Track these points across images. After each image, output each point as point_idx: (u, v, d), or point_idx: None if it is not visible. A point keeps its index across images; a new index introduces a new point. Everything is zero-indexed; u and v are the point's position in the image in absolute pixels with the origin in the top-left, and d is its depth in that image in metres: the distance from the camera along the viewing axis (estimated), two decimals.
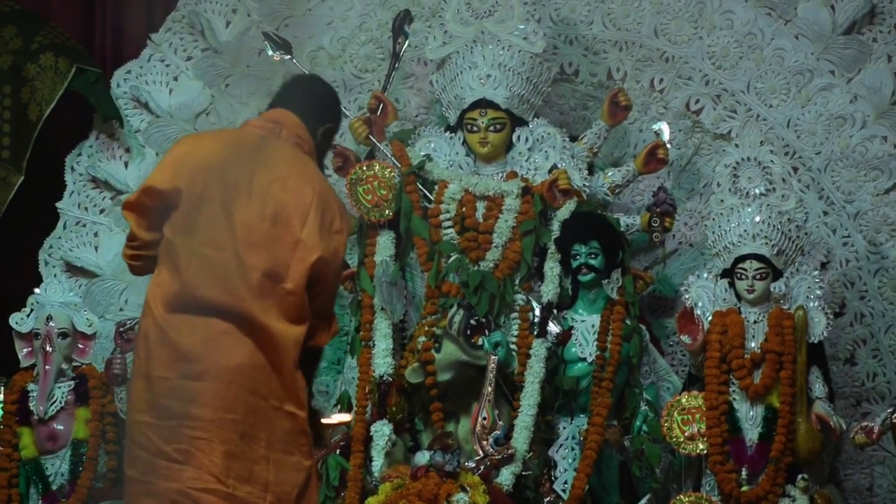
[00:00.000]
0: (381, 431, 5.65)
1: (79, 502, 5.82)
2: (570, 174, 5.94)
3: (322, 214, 4.05)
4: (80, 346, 6.00)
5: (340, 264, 4.18)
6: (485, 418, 5.51)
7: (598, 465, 5.70)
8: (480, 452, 5.47)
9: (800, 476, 5.56)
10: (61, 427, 5.90)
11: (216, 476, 3.90)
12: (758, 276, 5.72)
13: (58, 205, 6.53)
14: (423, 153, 6.08)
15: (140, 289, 4.13)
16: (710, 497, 5.59)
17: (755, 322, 5.72)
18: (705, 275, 5.86)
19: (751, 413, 5.65)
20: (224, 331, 3.95)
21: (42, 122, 6.36)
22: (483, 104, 6.03)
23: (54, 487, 5.85)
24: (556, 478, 5.72)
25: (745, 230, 5.74)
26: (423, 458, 5.37)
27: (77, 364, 5.98)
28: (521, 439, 5.60)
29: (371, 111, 6.20)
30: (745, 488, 5.56)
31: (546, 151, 6.06)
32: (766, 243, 5.73)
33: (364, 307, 5.87)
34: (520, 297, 5.88)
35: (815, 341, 5.72)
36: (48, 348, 5.91)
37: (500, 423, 5.53)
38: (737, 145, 6.12)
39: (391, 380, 5.72)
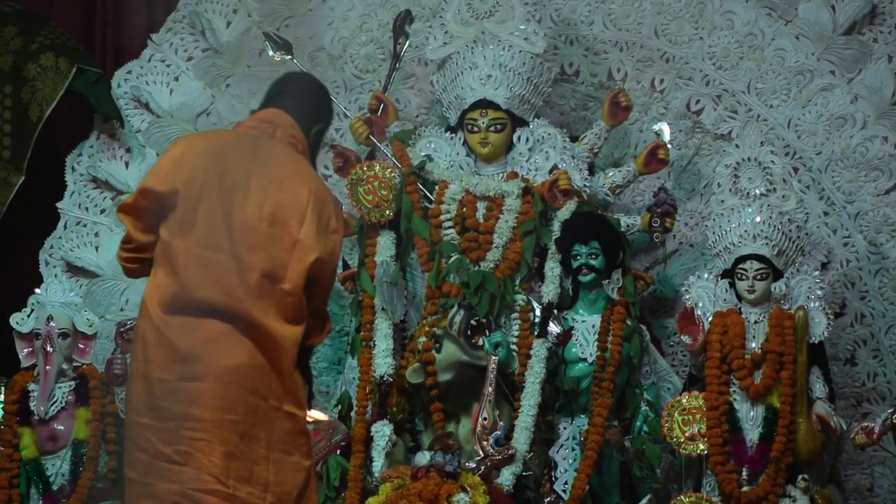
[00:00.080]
0: (382, 432, 5.65)
1: (79, 502, 5.82)
2: (570, 174, 5.94)
3: (319, 214, 4.06)
4: (81, 347, 6.00)
5: (337, 264, 4.19)
6: (485, 419, 5.51)
7: (598, 466, 5.70)
8: (481, 453, 5.47)
9: (800, 476, 5.56)
10: (62, 427, 5.90)
11: (216, 477, 3.90)
12: (758, 277, 5.72)
13: (58, 205, 6.52)
14: (423, 153, 6.08)
15: (141, 289, 4.13)
16: (710, 497, 5.59)
17: (756, 322, 5.72)
18: (706, 275, 5.86)
19: (751, 413, 5.65)
20: (222, 331, 3.96)
21: (43, 122, 6.36)
22: (484, 104, 6.04)
23: (55, 488, 5.85)
24: (556, 478, 5.73)
25: (745, 230, 5.74)
26: (423, 458, 5.37)
27: (78, 364, 5.98)
28: (521, 440, 5.60)
29: (372, 111, 6.20)
30: (745, 489, 5.56)
31: (546, 152, 6.07)
32: (767, 244, 5.73)
33: (365, 307, 5.88)
34: (520, 298, 5.88)
35: (816, 341, 5.72)
36: (49, 348, 5.91)
37: (501, 423, 5.54)
38: (737, 146, 6.12)
39: (392, 380, 5.72)
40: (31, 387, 5.93)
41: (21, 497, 5.86)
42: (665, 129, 6.16)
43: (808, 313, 5.68)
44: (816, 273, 5.87)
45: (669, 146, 6.15)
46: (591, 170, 6.16)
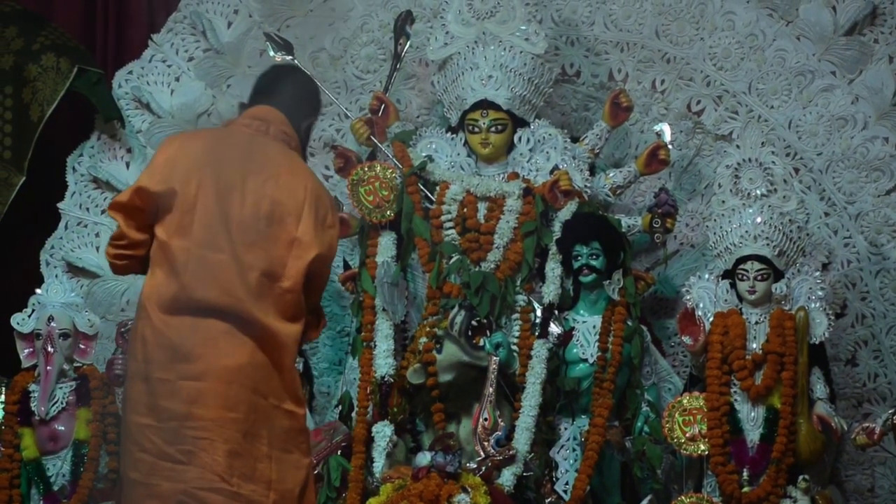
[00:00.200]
0: (383, 432, 5.65)
1: (80, 503, 5.82)
2: (571, 175, 5.94)
3: (316, 211, 4.08)
4: (82, 347, 5.99)
5: (333, 259, 4.20)
6: (486, 419, 5.51)
7: (599, 466, 5.70)
8: (482, 453, 5.47)
9: (801, 477, 5.56)
10: (62, 428, 5.90)
11: (220, 475, 3.91)
12: (759, 277, 5.72)
13: (59, 205, 6.53)
14: (424, 154, 6.08)
15: None
16: (711, 498, 5.59)
17: (756, 323, 5.72)
18: (706, 276, 5.86)
19: (752, 414, 5.65)
20: (223, 331, 3.97)
21: (44, 122, 6.36)
22: (484, 105, 6.04)
23: (56, 488, 5.84)
24: (557, 479, 5.73)
25: (746, 231, 5.74)
26: (424, 458, 5.37)
27: (78, 364, 5.98)
28: (522, 440, 5.60)
29: (372, 112, 6.20)
30: (746, 489, 5.55)
31: (547, 152, 6.07)
32: (768, 244, 5.73)
33: (365, 308, 5.88)
34: (521, 298, 5.88)
35: (817, 342, 5.72)
36: (49, 349, 5.91)
37: (502, 423, 5.53)
38: (738, 146, 6.11)
39: (392, 381, 5.72)
40: (32, 387, 5.93)
41: (22, 497, 5.85)
42: (666, 130, 6.16)
43: (808, 314, 5.68)
44: (817, 274, 5.87)
45: (670, 147, 6.15)
46: (592, 170, 6.16)
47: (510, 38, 6.08)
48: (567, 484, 5.69)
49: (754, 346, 5.69)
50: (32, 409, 5.89)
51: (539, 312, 5.81)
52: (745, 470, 5.58)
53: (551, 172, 5.99)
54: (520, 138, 6.10)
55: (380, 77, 6.47)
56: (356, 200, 5.93)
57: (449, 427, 5.63)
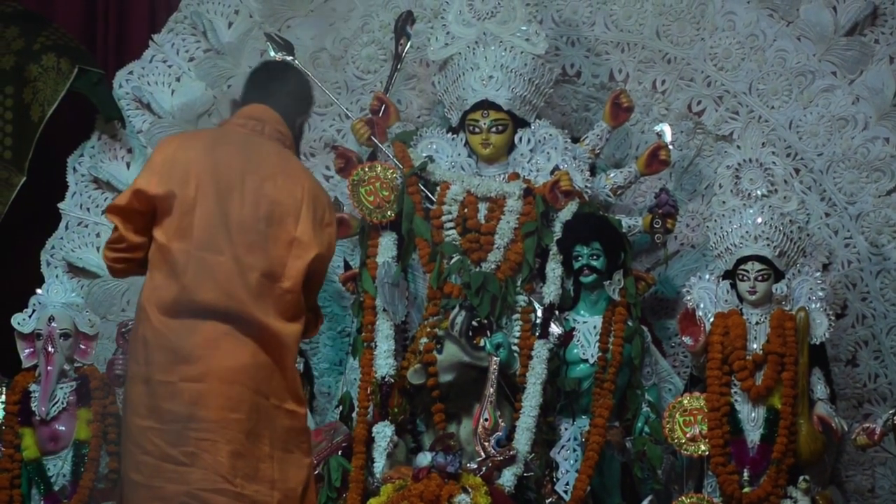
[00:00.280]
0: (383, 433, 5.65)
1: (80, 503, 5.82)
2: (571, 175, 5.94)
3: (314, 210, 4.09)
4: (82, 347, 5.99)
5: (332, 257, 4.21)
6: (486, 419, 5.51)
7: (599, 467, 5.70)
8: (482, 454, 5.47)
9: (801, 477, 5.56)
10: (63, 428, 5.90)
11: (224, 476, 3.92)
12: (759, 278, 5.72)
13: (60, 205, 6.53)
14: (425, 154, 6.08)
15: None
16: (711, 499, 5.59)
17: (757, 323, 5.72)
18: (707, 276, 5.86)
19: (752, 414, 5.65)
20: (224, 332, 3.97)
21: (44, 122, 6.36)
22: (485, 105, 6.03)
23: (56, 488, 5.84)
24: (557, 479, 5.73)
25: (746, 232, 5.74)
26: (424, 459, 5.37)
27: (79, 365, 5.98)
28: (522, 440, 5.60)
29: (373, 112, 6.20)
30: (746, 490, 5.55)
31: (548, 153, 6.07)
32: (768, 245, 5.73)
33: (366, 308, 5.88)
34: (521, 299, 5.88)
35: (817, 343, 5.72)
36: (50, 349, 5.91)
37: (502, 424, 5.54)
38: (738, 147, 6.11)
39: (393, 381, 5.72)
40: (33, 387, 5.93)
41: (22, 498, 5.85)
42: (666, 130, 6.16)
43: (809, 314, 5.68)
44: (818, 274, 5.87)
45: (671, 147, 6.15)
46: (593, 171, 6.15)
47: (511, 38, 6.08)
48: (567, 484, 5.69)
49: (755, 346, 5.69)
50: (33, 409, 5.89)
51: (539, 313, 5.81)
52: (745, 470, 5.58)
53: (552, 173, 5.99)
54: (520, 139, 6.10)
55: (380, 77, 6.47)
56: (357, 201, 5.93)
57: (449, 427, 5.63)
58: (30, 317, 5.98)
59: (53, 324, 5.92)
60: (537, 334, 5.78)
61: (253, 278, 4.00)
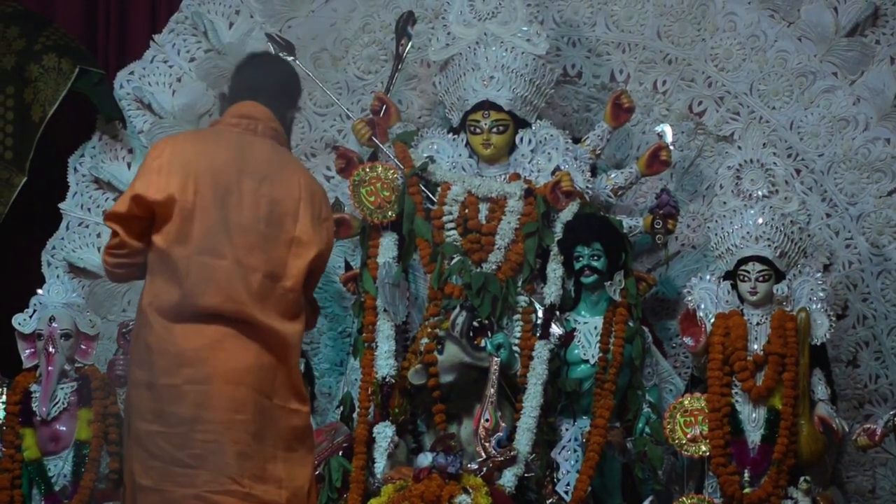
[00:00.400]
0: (384, 433, 5.65)
1: (81, 503, 5.82)
2: (572, 176, 5.94)
3: (311, 206, 4.10)
4: (83, 347, 6.00)
5: (331, 253, 4.22)
6: (487, 420, 5.51)
7: (600, 467, 5.70)
8: (483, 454, 5.48)
9: (802, 478, 5.56)
10: (64, 428, 5.90)
11: (231, 477, 3.92)
12: (760, 279, 5.72)
13: (60, 206, 6.53)
14: (425, 155, 6.08)
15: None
16: (712, 499, 5.59)
17: (758, 324, 5.72)
18: (708, 277, 5.86)
19: (753, 415, 5.65)
20: (227, 334, 3.98)
21: (45, 122, 6.36)
22: (486, 106, 6.04)
23: (57, 488, 5.84)
24: (558, 479, 5.72)
25: (747, 232, 5.74)
26: (425, 459, 5.37)
27: (80, 365, 5.98)
28: (523, 441, 5.60)
29: (374, 113, 6.20)
30: (747, 490, 5.56)
31: (549, 153, 6.07)
32: (769, 245, 5.73)
33: (367, 309, 5.88)
34: (522, 299, 5.88)
35: (818, 343, 5.72)
36: (51, 349, 5.91)
37: (503, 424, 5.54)
38: (739, 147, 6.12)
39: (394, 381, 5.72)
40: (34, 387, 5.93)
41: (23, 498, 5.85)
42: (667, 131, 6.17)
43: (810, 315, 5.68)
44: (818, 275, 5.87)
45: (672, 148, 6.15)
46: (594, 171, 6.15)
47: (512, 38, 6.08)
48: (568, 485, 5.69)
49: (755, 347, 5.69)
50: (34, 409, 5.89)
51: (540, 313, 5.81)
52: (746, 471, 5.59)
53: (553, 173, 5.99)
54: (521, 139, 6.10)
55: (381, 78, 6.47)
56: (358, 201, 5.93)
57: (450, 428, 5.63)
58: (30, 317, 5.99)
59: (54, 324, 5.93)
60: (538, 335, 5.78)
61: (255, 280, 4.00)
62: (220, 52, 6.59)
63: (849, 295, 6.29)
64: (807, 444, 5.60)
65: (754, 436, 5.64)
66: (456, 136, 6.18)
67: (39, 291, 6.07)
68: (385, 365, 5.74)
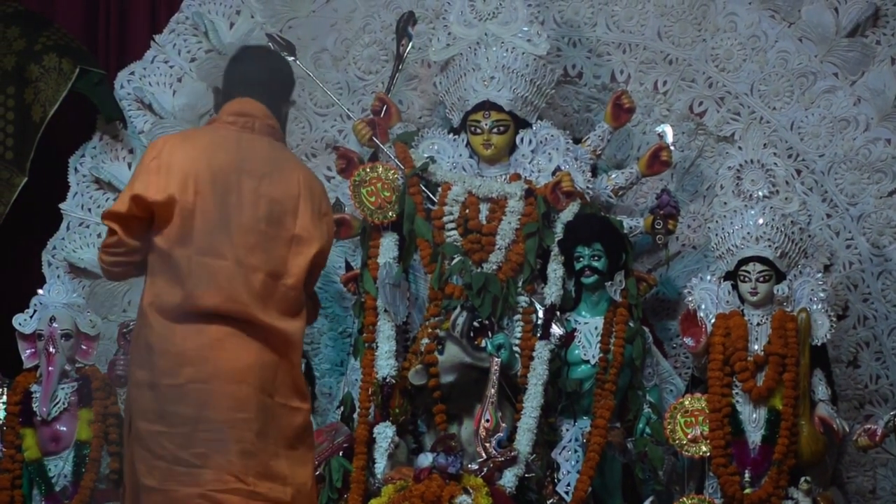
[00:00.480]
0: (384, 433, 5.65)
1: None
2: (573, 176, 5.94)
3: (311, 202, 4.11)
4: (84, 348, 6.00)
5: (331, 247, 4.23)
6: (488, 420, 5.51)
7: (601, 468, 5.70)
8: (483, 454, 5.48)
9: (803, 478, 5.56)
10: (64, 428, 5.90)
11: (236, 475, 3.93)
12: (761, 279, 5.72)
13: (61, 206, 6.53)
14: (426, 155, 6.08)
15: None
16: (712, 500, 5.59)
17: (758, 324, 5.72)
18: (708, 277, 5.86)
19: (754, 415, 5.65)
20: (229, 333, 3.98)
21: (45, 123, 6.36)
22: (486, 106, 6.03)
23: (57, 489, 5.84)
24: (559, 480, 5.72)
25: (748, 233, 5.74)
26: (426, 459, 5.38)
27: (80, 365, 5.98)
28: (524, 441, 5.60)
29: (374, 113, 6.20)
30: (748, 491, 5.55)
31: (549, 153, 6.07)
32: (770, 246, 5.73)
33: (367, 309, 5.88)
34: (523, 299, 5.88)
35: (819, 344, 5.72)
36: (51, 349, 5.91)
37: (504, 425, 5.54)
38: (740, 148, 6.12)
39: (394, 382, 5.72)
40: (34, 388, 5.93)
41: (23, 498, 5.86)
42: (668, 131, 6.17)
43: (810, 315, 5.68)
44: (819, 275, 5.87)
45: (672, 148, 6.15)
46: (594, 171, 6.15)
47: (512, 39, 6.08)
48: (569, 485, 5.69)
49: (756, 347, 5.69)
50: (34, 409, 5.89)
51: (541, 314, 5.81)
52: (746, 471, 5.59)
53: (553, 173, 5.99)
54: (522, 139, 6.10)
55: (382, 78, 6.47)
56: (358, 201, 5.93)
57: (451, 428, 5.63)
58: (31, 317, 5.99)
59: (55, 324, 5.93)
60: (539, 335, 5.78)
61: (257, 280, 4.01)
62: (220, 52, 6.58)
63: (849, 295, 6.29)
64: (807, 445, 5.60)
65: (755, 436, 5.64)
66: (456, 136, 6.18)
67: (40, 292, 6.07)
68: (385, 365, 5.74)
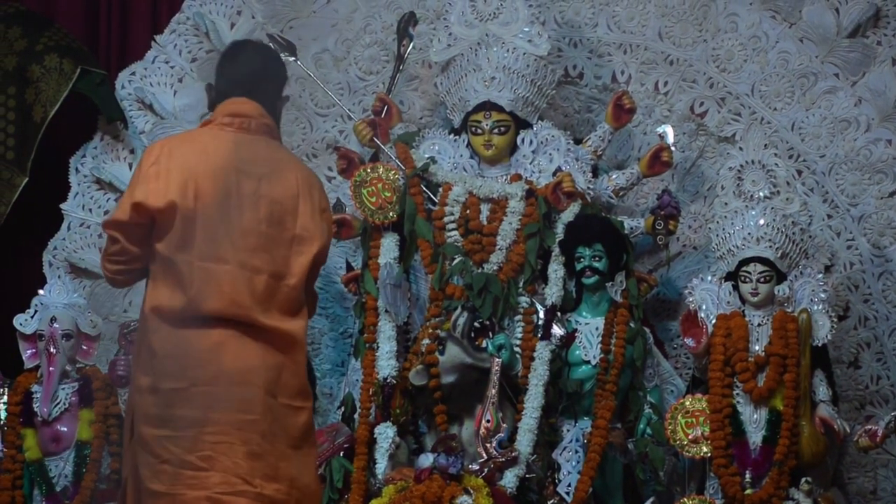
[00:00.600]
0: (385, 434, 5.65)
1: None
2: (574, 177, 5.94)
3: (311, 200, 4.12)
4: (84, 348, 6.00)
5: (331, 242, 4.24)
6: (488, 421, 5.51)
7: (601, 468, 5.70)
8: (484, 455, 5.47)
9: (803, 479, 5.56)
10: (65, 429, 5.90)
11: (243, 478, 3.93)
12: (762, 280, 5.72)
13: (62, 206, 6.53)
14: (427, 155, 6.08)
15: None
16: (713, 500, 5.59)
17: (759, 325, 5.72)
18: (709, 278, 5.87)
19: (754, 416, 5.65)
20: (232, 336, 3.99)
21: (46, 123, 6.36)
22: (487, 106, 6.03)
23: (58, 489, 5.84)
24: (559, 480, 5.72)
25: (749, 233, 5.74)
26: (426, 460, 5.37)
27: (81, 365, 5.98)
28: (524, 442, 5.60)
29: (375, 113, 6.20)
30: (748, 491, 5.55)
31: (550, 154, 6.06)
32: (770, 246, 5.73)
33: (368, 309, 5.87)
34: (524, 300, 5.88)
35: (819, 344, 5.72)
36: (52, 350, 5.91)
37: (504, 425, 5.54)
38: (741, 148, 6.11)
39: (395, 382, 5.72)
40: (35, 388, 5.93)
41: (24, 498, 5.85)
42: (669, 132, 6.17)
43: (811, 316, 5.68)
44: (820, 276, 5.87)
45: (673, 149, 6.15)
46: (595, 172, 6.15)
47: (513, 39, 6.08)
48: (569, 486, 5.68)
49: (757, 348, 5.69)
50: (35, 409, 5.89)
51: (542, 314, 5.80)
52: (747, 472, 5.58)
53: (554, 174, 5.99)
54: (523, 140, 6.09)
55: (383, 78, 6.47)
56: (359, 202, 5.93)
57: (451, 429, 5.63)
58: (32, 317, 5.99)
59: (55, 324, 5.93)
60: (539, 336, 5.78)
61: (260, 282, 4.01)
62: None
63: (850, 296, 6.28)
64: (808, 446, 5.60)
65: (756, 437, 5.64)
66: (457, 136, 6.18)
67: (41, 292, 6.07)
68: (386, 366, 5.74)
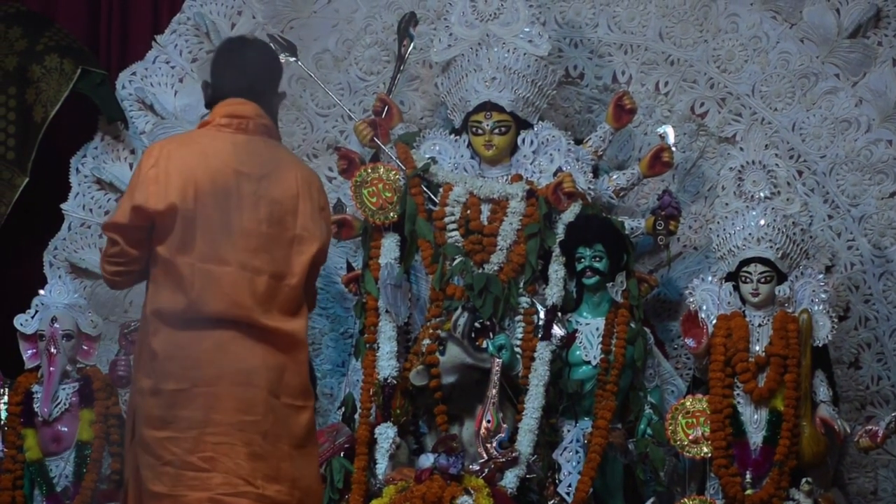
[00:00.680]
0: (386, 434, 5.65)
1: None
2: (574, 177, 5.94)
3: (311, 199, 4.12)
4: (85, 348, 6.00)
5: (330, 239, 4.25)
6: (489, 421, 5.51)
7: (602, 469, 5.69)
8: (485, 455, 5.47)
9: (804, 480, 5.56)
10: (65, 429, 5.90)
11: (244, 479, 3.93)
12: (762, 280, 5.72)
13: (62, 206, 6.53)
14: (427, 156, 6.08)
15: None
16: (714, 501, 5.59)
17: (760, 325, 5.72)
18: (710, 278, 5.86)
19: (755, 416, 5.65)
20: (233, 337, 3.99)
21: (47, 123, 6.36)
22: (488, 107, 6.03)
23: (59, 489, 5.84)
24: (560, 481, 5.72)
25: (749, 234, 5.74)
26: (427, 460, 5.37)
27: (81, 366, 5.98)
28: (525, 442, 5.60)
29: (376, 114, 6.20)
30: (749, 492, 5.55)
31: (551, 154, 6.06)
32: (771, 247, 5.73)
33: (369, 310, 5.87)
34: (524, 300, 5.88)
35: (820, 345, 5.72)
36: (53, 350, 5.91)
37: (505, 425, 5.54)
38: (742, 149, 6.12)
39: (395, 382, 5.72)
40: (35, 388, 5.93)
41: (25, 499, 5.86)
42: (669, 132, 6.17)
43: (812, 316, 5.68)
44: (820, 276, 5.87)
45: (674, 149, 6.15)
46: (596, 172, 6.15)
47: (514, 39, 6.08)
48: (570, 486, 5.68)
49: (757, 348, 5.69)
50: (35, 410, 5.90)
51: (542, 314, 5.80)
52: (747, 472, 5.58)
53: (555, 174, 5.99)
54: (523, 140, 6.09)
55: (383, 79, 6.47)
56: (359, 202, 5.93)
57: (452, 429, 5.63)
58: (32, 318, 5.99)
59: (56, 325, 5.93)
60: (540, 336, 5.78)
61: (261, 283, 4.01)
62: None
63: (851, 296, 6.28)
64: (808, 446, 5.60)
65: (756, 437, 5.64)
66: (458, 137, 6.18)
67: (41, 292, 6.08)
68: (387, 366, 5.74)
